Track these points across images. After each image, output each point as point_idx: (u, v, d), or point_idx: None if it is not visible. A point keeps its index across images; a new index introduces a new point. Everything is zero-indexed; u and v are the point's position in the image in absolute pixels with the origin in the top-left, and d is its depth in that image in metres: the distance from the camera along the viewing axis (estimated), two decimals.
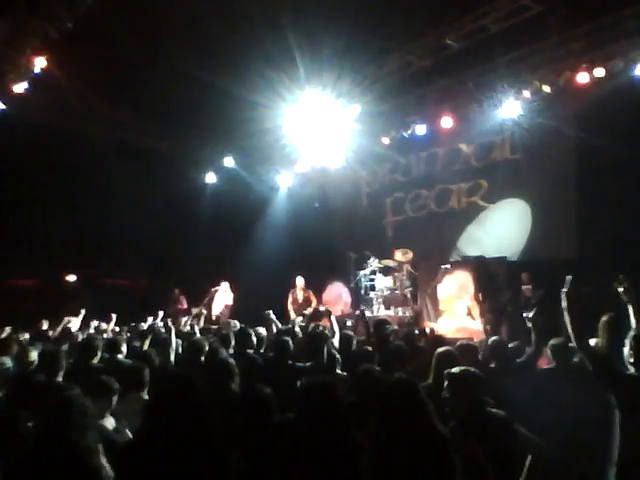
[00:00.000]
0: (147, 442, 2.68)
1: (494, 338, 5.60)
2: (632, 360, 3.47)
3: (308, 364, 5.38)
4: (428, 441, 2.80)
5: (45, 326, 9.14)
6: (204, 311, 11.64)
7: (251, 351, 6.02)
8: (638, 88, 9.22)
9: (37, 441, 2.86)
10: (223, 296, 13.28)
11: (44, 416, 2.88)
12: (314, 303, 12.58)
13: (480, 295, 9.07)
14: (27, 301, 13.96)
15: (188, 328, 8.69)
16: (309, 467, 2.79)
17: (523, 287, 10.69)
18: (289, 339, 5.84)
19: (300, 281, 12.85)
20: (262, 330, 7.05)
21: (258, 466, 3.05)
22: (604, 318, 5.25)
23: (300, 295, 12.74)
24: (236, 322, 9.29)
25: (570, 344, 5.11)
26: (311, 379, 3.35)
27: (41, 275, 15.38)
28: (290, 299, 12.83)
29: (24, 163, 12.48)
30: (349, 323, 11.31)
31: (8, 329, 8.41)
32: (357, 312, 11.79)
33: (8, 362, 5.64)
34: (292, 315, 12.40)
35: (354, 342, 6.44)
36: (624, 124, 9.32)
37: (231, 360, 4.75)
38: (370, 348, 5.59)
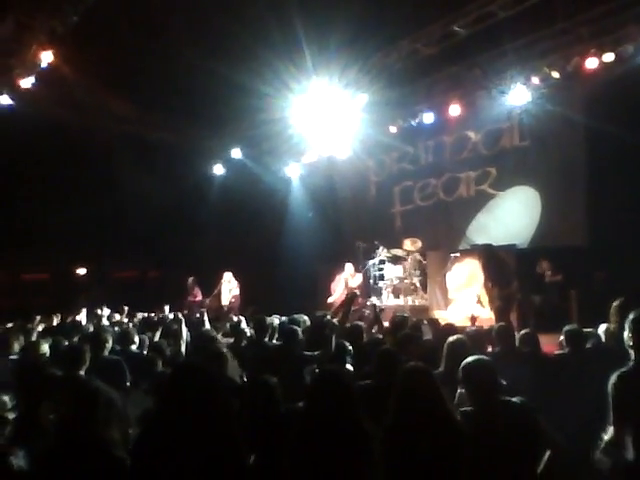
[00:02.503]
0: (162, 431, 2.70)
1: (500, 324, 5.64)
2: (631, 343, 3.41)
3: (316, 353, 5.38)
4: (442, 430, 2.83)
5: (56, 320, 9.18)
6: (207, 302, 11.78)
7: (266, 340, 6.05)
8: None
9: (63, 434, 2.87)
10: (228, 287, 13.33)
11: (70, 409, 2.89)
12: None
13: (489, 283, 9.05)
14: (38, 295, 14.06)
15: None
16: (317, 456, 2.79)
17: (547, 272, 10.72)
18: (298, 328, 5.83)
19: (349, 268, 12.80)
20: (276, 320, 7.11)
21: (267, 457, 3.06)
22: (615, 303, 5.26)
23: (352, 282, 12.71)
24: (242, 318, 9.31)
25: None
26: (324, 367, 3.35)
27: (52, 269, 15.49)
28: (342, 285, 12.80)
29: (32, 158, 12.53)
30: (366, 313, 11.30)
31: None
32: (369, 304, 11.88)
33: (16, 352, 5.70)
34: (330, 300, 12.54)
35: (364, 333, 6.44)
36: (634, 110, 9.24)
37: None
38: (381, 336, 5.58)
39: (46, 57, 9.60)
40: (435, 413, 2.89)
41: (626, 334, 3.43)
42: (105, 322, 9.27)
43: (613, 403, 3.22)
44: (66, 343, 5.92)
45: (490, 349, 5.41)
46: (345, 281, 12.73)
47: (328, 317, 7.90)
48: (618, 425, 3.19)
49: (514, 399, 3.25)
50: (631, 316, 3.49)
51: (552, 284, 10.59)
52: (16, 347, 5.80)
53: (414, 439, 2.82)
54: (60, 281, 15.40)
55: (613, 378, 3.25)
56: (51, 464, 2.76)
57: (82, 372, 4.64)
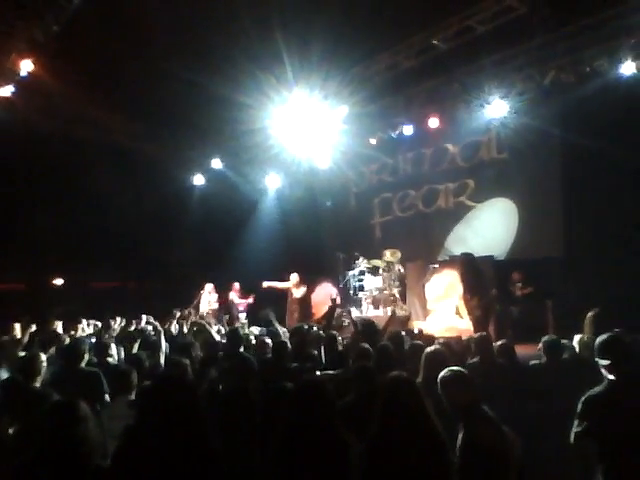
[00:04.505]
0: (143, 443, 2.69)
1: (479, 334, 5.69)
2: (604, 367, 3.49)
3: (308, 365, 5.40)
4: (427, 440, 2.84)
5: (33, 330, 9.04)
6: (192, 311, 11.72)
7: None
8: (622, 87, 9.32)
9: (42, 446, 2.82)
10: (207, 298, 13.27)
11: (50, 422, 2.84)
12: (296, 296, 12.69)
13: (467, 293, 9.08)
14: (14, 305, 13.84)
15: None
16: (297, 464, 2.80)
17: (517, 285, 10.83)
18: (287, 342, 5.84)
19: (294, 278, 12.86)
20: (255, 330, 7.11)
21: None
22: (590, 314, 5.36)
23: (296, 293, 12.76)
24: (221, 327, 9.32)
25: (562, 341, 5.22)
26: (305, 377, 3.36)
27: (28, 279, 15.27)
28: (288, 298, 12.90)
29: (10, 166, 12.39)
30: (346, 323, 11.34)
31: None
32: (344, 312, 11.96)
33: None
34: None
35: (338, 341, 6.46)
36: (608, 123, 9.41)
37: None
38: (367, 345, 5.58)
39: (26, 66, 9.53)
40: (419, 423, 2.88)
41: (597, 358, 3.51)
42: (81, 333, 9.15)
43: (579, 418, 3.32)
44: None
45: (469, 359, 5.45)
46: (290, 291, 12.83)
47: (315, 328, 7.94)
48: (579, 437, 3.31)
49: (485, 408, 3.29)
50: (598, 340, 3.57)
51: (523, 297, 10.72)
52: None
53: (398, 448, 2.81)
54: (36, 291, 15.19)
55: (585, 396, 3.34)
56: (29, 476, 2.73)
57: (37, 383, 4.60)
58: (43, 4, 8.56)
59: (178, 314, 9.72)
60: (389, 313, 11.89)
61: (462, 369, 3.51)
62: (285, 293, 13.16)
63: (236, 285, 13.72)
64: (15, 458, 2.94)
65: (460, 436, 3.10)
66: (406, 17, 9.16)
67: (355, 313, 12.32)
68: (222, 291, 13.61)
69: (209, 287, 13.32)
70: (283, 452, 2.87)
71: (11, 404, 4.08)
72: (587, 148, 9.54)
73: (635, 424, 3.16)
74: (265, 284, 13.20)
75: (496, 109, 10.99)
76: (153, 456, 2.65)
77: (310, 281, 13.92)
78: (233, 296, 13.62)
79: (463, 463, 2.96)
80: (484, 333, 5.99)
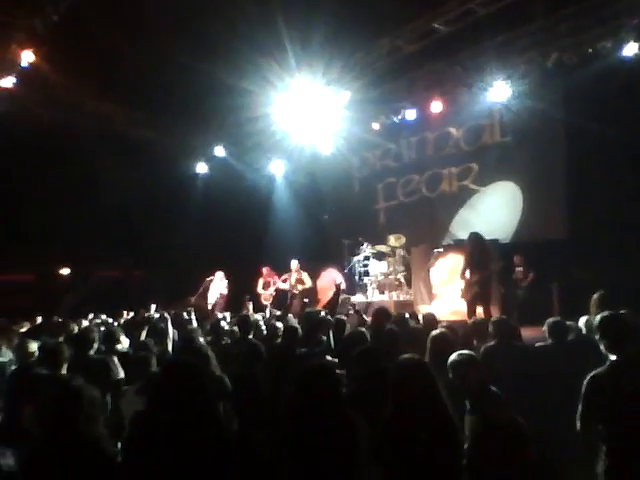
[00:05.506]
0: (154, 428, 2.72)
1: (500, 317, 5.71)
2: (603, 347, 3.49)
3: (317, 350, 5.44)
4: (438, 421, 2.86)
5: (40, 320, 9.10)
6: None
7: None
8: (625, 69, 9.28)
9: (48, 434, 2.85)
10: (218, 285, 13.24)
11: (53, 407, 2.88)
12: (307, 284, 12.68)
13: (469, 268, 8.91)
14: (22, 296, 13.92)
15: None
16: (305, 447, 2.83)
17: (518, 269, 10.84)
18: (298, 327, 5.88)
19: (294, 264, 12.87)
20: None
21: None
22: (595, 295, 5.38)
23: (294, 279, 12.78)
24: (226, 314, 9.37)
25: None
26: (312, 361, 3.38)
27: (35, 270, 15.34)
28: (287, 284, 12.93)
29: (13, 157, 12.40)
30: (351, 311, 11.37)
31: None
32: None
33: (8, 355, 5.67)
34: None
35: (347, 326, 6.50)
36: (612, 105, 9.38)
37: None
38: (364, 329, 5.62)
39: (27, 56, 9.53)
40: (431, 404, 2.89)
41: (597, 338, 3.52)
42: (86, 323, 9.19)
43: (584, 401, 3.32)
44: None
45: (475, 342, 5.46)
46: (288, 280, 12.89)
47: (323, 314, 8.01)
48: (586, 422, 3.32)
49: (494, 389, 3.31)
50: (597, 319, 3.58)
51: (522, 282, 10.72)
52: (3, 349, 5.78)
53: (411, 430, 2.83)
54: (44, 282, 15.26)
55: (588, 377, 3.35)
56: (38, 463, 2.76)
57: (64, 371, 4.64)
58: None
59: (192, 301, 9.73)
60: (394, 298, 11.96)
61: (471, 352, 3.54)
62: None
63: (264, 271, 13.60)
64: None
65: (471, 418, 3.13)
66: (407, 1, 9.12)
67: (361, 298, 12.38)
68: (245, 278, 13.62)
69: (220, 274, 13.25)
70: (290, 435, 2.91)
71: (34, 392, 4.12)
72: (590, 130, 9.52)
73: (637, 404, 3.18)
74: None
75: (499, 92, 10.95)
76: (164, 441, 2.69)
77: (315, 267, 13.94)
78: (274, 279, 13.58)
79: (476, 444, 2.99)
80: (503, 316, 6.04)
